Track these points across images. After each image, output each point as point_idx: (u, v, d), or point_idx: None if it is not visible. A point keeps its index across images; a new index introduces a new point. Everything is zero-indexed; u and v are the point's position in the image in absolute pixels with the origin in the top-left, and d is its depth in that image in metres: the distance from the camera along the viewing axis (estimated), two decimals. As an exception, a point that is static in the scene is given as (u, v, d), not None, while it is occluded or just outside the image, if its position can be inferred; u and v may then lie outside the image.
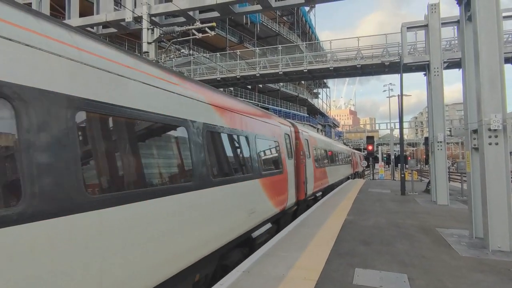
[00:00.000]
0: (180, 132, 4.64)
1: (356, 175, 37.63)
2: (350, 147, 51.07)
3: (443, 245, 6.47)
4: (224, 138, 6.02)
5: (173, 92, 4.59)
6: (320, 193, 14.83)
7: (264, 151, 8.11)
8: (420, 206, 11.56)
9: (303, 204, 11.58)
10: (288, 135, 10.53)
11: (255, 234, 7.01)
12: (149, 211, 3.75)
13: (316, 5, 51.20)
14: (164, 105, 4.32)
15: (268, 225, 7.88)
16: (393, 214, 9.89)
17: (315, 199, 13.70)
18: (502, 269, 5.05)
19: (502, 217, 5.84)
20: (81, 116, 3.12)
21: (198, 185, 4.74)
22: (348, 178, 28.59)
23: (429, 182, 15.51)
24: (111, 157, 3.55)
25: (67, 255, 2.77)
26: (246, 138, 6.97)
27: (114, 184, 3.47)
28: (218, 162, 5.65)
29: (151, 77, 4.23)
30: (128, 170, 3.69)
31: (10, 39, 2.57)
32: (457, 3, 7.29)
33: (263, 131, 8.17)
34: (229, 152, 6.21)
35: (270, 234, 7.91)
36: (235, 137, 6.46)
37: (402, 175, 15.93)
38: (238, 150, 6.61)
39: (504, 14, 12.20)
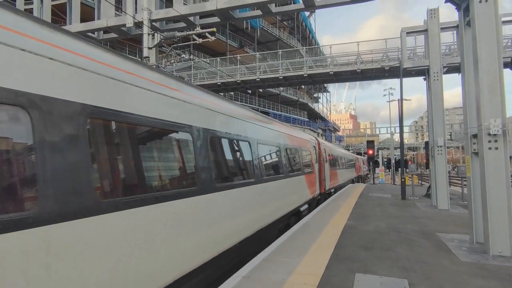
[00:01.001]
0: (276, 149, 9.24)
1: (359, 178, 39.27)
2: (351, 151, 51.08)
3: (443, 250, 6.45)
4: (292, 151, 10.97)
5: (247, 121, 7.48)
6: (333, 189, 19.15)
7: (305, 158, 12.86)
8: (421, 211, 11.54)
9: (323, 195, 16.00)
10: (314, 146, 14.85)
11: (302, 208, 11.46)
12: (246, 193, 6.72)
13: (317, 10, 51.43)
14: (259, 134, 8.03)
15: (306, 205, 12.06)
16: (394, 219, 9.87)
17: (330, 194, 17.94)
18: (503, 274, 5.03)
19: (503, 222, 5.83)
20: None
21: (284, 176, 9.44)
22: (353, 181, 32.50)
23: (429, 187, 15.48)
24: (221, 162, 6.05)
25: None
26: (299, 150, 11.86)
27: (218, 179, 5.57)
28: (288, 165, 10.08)
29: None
30: (235, 169, 6.64)
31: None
32: (456, 9, 7.32)
33: (306, 146, 13.24)
34: (291, 158, 10.81)
35: (307, 211, 12.05)
36: (294, 150, 11.32)
37: (403, 180, 15.92)
38: (295, 157, 11.33)
39: (503, 19, 12.26)
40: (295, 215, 10.54)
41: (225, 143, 6.20)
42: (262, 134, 8.17)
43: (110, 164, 3.54)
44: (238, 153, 6.80)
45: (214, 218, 5.28)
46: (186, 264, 4.41)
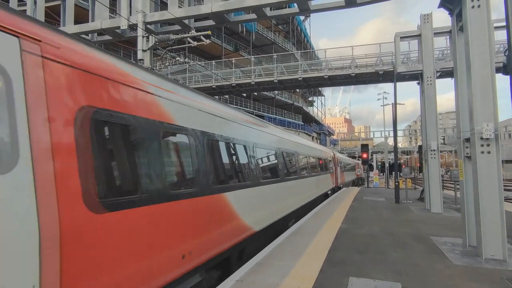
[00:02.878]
0: (319, 159, 17.46)
1: (360, 179, 42.64)
2: (345, 155, 51.45)
3: (436, 253, 6.47)
4: (325, 160, 19.19)
5: (314, 148, 17.28)
6: (342, 185, 27.09)
7: (329, 164, 20.89)
8: (414, 214, 11.58)
9: (336, 189, 23.22)
10: (332, 156, 23.31)
11: (328, 192, 19.39)
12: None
13: (313, 14, 51.75)
14: (313, 152, 16.28)
15: (330, 191, 20.00)
16: (387, 223, 9.89)
17: (339, 188, 24.98)
18: (496, 277, 5.05)
19: (495, 225, 5.86)
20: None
21: (323, 173, 17.96)
22: (353, 181, 40.51)
23: (423, 190, 15.56)
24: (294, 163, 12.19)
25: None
26: (327, 159, 20.21)
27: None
28: (324, 167, 18.18)
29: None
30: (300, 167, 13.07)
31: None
32: (449, 14, 7.39)
33: (329, 156, 21.48)
34: (325, 163, 18.92)
35: (331, 193, 20.13)
36: (326, 159, 19.48)
37: (396, 183, 15.99)
38: (326, 163, 19.34)
39: (495, 24, 12.41)
40: (326, 196, 18.66)
41: (301, 157, 13.09)
42: (315, 152, 16.58)
43: (243, 165, 7.00)
44: (307, 161, 14.29)
45: (295, 193, 11.29)
46: (282, 213, 9.39)
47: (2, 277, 2.36)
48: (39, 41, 2.87)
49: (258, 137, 8.12)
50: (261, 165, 8.02)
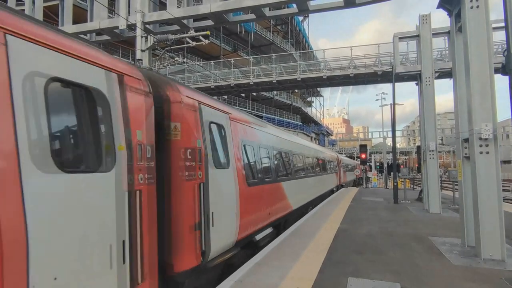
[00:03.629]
0: (331, 162, 23.69)
1: (360, 180, 43.66)
2: (343, 154, 51.53)
3: (435, 253, 6.47)
4: (332, 162, 23.31)
5: (327, 154, 23.06)
6: (344, 184, 30.59)
7: (334, 165, 24.63)
8: (413, 215, 11.60)
9: (340, 186, 26.53)
10: (337, 158, 26.42)
11: (334, 189, 23.43)
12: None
13: (312, 14, 51.75)
14: (325, 155, 21.14)
15: (335, 188, 23.93)
16: (386, 223, 9.90)
17: (342, 186, 28.39)
18: (494, 277, 5.06)
19: (494, 226, 5.87)
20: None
21: (333, 172, 23.33)
22: (354, 181, 43.42)
23: (421, 191, 15.58)
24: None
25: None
26: (334, 161, 24.87)
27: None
28: (332, 168, 22.84)
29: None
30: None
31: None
32: (447, 14, 7.40)
33: (335, 159, 25.34)
34: (332, 165, 23.31)
35: (335, 189, 23.86)
36: (333, 161, 23.89)
37: (395, 184, 16.00)
38: (332, 165, 22.97)
39: (494, 25, 12.45)
40: (331, 192, 21.75)
41: (317, 160, 16.87)
42: (325, 156, 20.60)
43: (288, 165, 11.02)
44: (321, 163, 17.88)
45: (313, 186, 15.04)
46: (307, 200, 13.19)
47: (230, 221, 5.84)
48: (229, 113, 6.51)
49: (295, 147, 12.41)
50: (296, 166, 12.14)
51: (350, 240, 7.56)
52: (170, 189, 4.44)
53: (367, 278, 5.02)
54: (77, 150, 3.19)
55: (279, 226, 9.08)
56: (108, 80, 3.45)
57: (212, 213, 5.13)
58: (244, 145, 7.01)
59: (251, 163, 7.35)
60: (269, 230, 8.08)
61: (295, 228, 8.82)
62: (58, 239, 2.70)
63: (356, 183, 42.90)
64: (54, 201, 2.69)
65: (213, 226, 5.12)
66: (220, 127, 5.98)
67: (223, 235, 5.52)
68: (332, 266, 5.63)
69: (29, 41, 2.69)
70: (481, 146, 5.99)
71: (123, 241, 3.32)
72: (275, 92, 44.29)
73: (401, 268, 5.52)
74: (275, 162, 9.36)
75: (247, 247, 6.84)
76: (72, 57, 3.07)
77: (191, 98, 5.04)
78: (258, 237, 7.34)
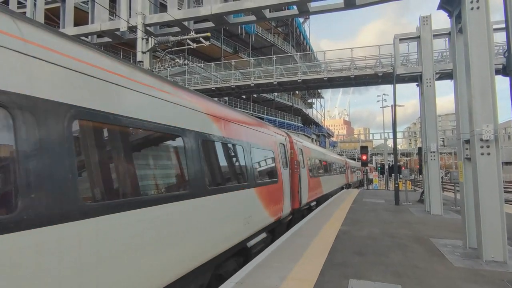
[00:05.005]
0: (340, 163, 29.82)
1: (362, 181, 44.43)
2: (344, 156, 51.63)
3: (437, 255, 6.45)
4: (339, 164, 28.37)
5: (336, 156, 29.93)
6: (350, 184, 35.39)
7: (344, 166, 31.65)
8: (414, 216, 11.57)
9: (347, 185, 31.56)
10: (345, 161, 33.74)
11: (343, 187, 30.12)
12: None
13: (313, 16, 51.82)
14: (333, 158, 26.67)
15: (343, 187, 29.56)
16: (387, 224, 9.87)
17: (349, 186, 33.58)
18: (496, 279, 5.04)
19: (495, 227, 5.85)
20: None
21: (342, 173, 29.86)
22: (360, 181, 46.14)
23: (422, 192, 15.54)
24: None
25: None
26: (343, 164, 31.06)
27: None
28: (340, 169, 28.73)
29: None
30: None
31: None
32: (448, 15, 7.40)
33: (344, 162, 32.54)
34: (341, 166, 29.67)
35: (341, 190, 27.23)
36: (341, 164, 29.51)
37: (396, 185, 15.97)
38: (344, 167, 31.62)
39: (495, 26, 12.43)
40: (341, 188, 25.88)
41: (333, 164, 23.79)
42: (338, 160, 27.84)
43: (324, 166, 19.28)
44: (336, 166, 25.08)
45: (331, 182, 21.02)
46: (329, 190, 19.64)
47: (305, 192, 12.56)
48: (301, 142, 13.55)
49: (327, 157, 19.22)
50: (325, 168, 18.59)
51: (351, 242, 7.54)
52: (292, 176, 10.58)
53: (368, 280, 5.00)
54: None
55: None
56: (286, 140, 10.72)
57: (301, 187, 11.38)
58: (309, 158, 13.93)
59: (311, 166, 14.40)
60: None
61: (297, 229, 8.81)
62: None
63: (361, 183, 44.53)
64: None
65: (301, 193, 11.43)
66: (301, 150, 12.48)
67: (304, 197, 11.84)
68: (333, 267, 5.61)
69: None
70: (482, 147, 5.98)
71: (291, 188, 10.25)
72: (276, 93, 44.33)
73: (402, 270, 5.50)
74: (320, 165, 17.44)
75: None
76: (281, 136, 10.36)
77: (293, 138, 11.57)
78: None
